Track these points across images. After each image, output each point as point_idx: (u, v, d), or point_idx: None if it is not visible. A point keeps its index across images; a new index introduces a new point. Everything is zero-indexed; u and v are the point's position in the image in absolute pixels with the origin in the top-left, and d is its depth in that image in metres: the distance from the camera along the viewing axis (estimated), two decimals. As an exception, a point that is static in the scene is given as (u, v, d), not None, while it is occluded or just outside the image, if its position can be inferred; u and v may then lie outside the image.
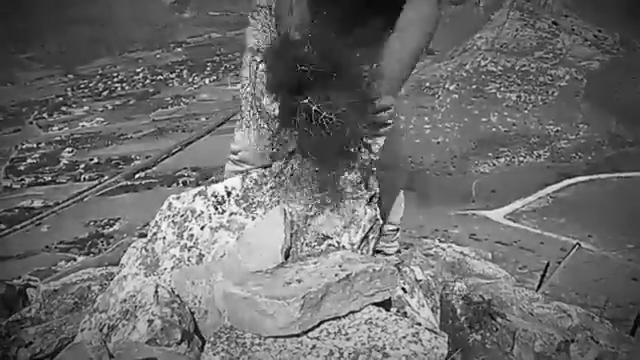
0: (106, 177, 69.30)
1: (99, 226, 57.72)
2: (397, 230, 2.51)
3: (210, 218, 1.86)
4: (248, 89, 1.82)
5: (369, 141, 1.83)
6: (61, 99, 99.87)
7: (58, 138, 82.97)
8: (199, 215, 1.88)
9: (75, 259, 47.64)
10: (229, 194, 1.89)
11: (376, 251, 2.21)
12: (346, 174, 1.79)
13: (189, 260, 1.81)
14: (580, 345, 2.12)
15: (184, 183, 61.51)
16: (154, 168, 70.98)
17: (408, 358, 1.33)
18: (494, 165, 65.16)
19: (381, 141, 1.88)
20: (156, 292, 1.67)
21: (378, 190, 1.86)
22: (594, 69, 78.95)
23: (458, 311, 2.25)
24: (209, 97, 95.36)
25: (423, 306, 1.73)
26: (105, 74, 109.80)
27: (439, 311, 1.93)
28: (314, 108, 1.61)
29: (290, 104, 1.65)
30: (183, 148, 75.10)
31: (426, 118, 70.09)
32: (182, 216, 1.91)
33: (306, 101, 1.62)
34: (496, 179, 60.41)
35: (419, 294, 1.76)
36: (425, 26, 1.92)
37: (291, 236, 1.75)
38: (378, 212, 1.84)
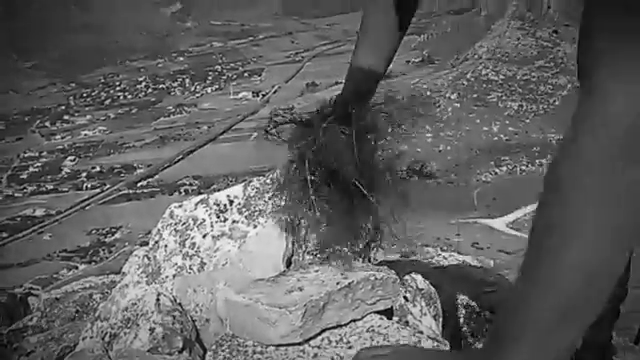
0: (108, 185, 69.37)
1: (101, 234, 57.73)
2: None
3: (212, 226, 1.86)
4: None
5: None
6: (63, 108, 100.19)
7: (60, 147, 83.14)
8: (201, 223, 1.88)
9: (77, 267, 47.59)
10: (231, 202, 1.89)
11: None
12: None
13: (191, 268, 1.81)
14: (583, 354, 2.10)
15: (186, 191, 61.52)
16: (156, 176, 71.01)
17: (410, 367, 1.32)
18: (496, 174, 65.17)
19: None
20: (158, 300, 1.67)
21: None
22: (595, 78, 79.06)
23: (460, 319, 2.24)
24: (211, 106, 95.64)
25: (425, 314, 1.72)
26: (107, 83, 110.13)
27: (441, 319, 1.92)
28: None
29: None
30: (185, 156, 75.17)
31: (427, 127, 70.16)
32: (184, 224, 1.91)
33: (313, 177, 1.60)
34: (498, 187, 60.36)
35: (421, 302, 1.75)
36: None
37: (293, 244, 1.75)
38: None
